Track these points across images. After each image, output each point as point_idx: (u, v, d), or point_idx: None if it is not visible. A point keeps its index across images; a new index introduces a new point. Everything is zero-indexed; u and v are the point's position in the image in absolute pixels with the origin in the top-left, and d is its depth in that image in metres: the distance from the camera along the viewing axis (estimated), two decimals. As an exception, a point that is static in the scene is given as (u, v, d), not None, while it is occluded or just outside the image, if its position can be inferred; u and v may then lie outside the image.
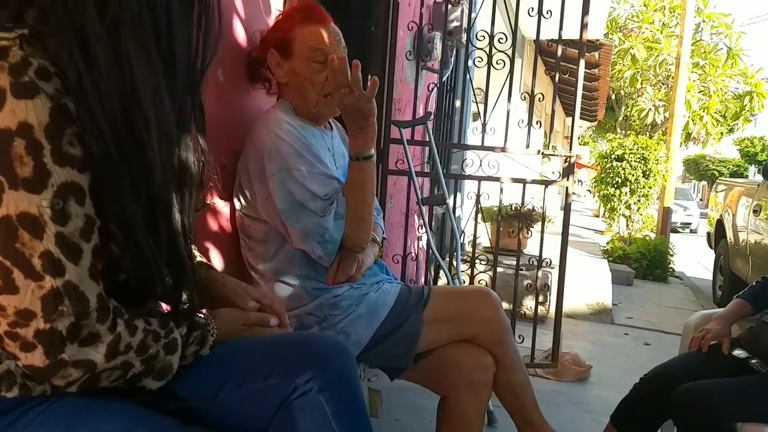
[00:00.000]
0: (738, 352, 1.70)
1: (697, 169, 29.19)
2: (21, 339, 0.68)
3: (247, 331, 0.99)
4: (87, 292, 0.70)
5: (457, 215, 3.05)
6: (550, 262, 2.72)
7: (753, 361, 1.64)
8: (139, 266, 0.75)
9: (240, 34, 1.57)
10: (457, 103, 4.20)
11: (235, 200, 1.53)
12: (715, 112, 14.46)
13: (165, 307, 0.88)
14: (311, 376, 0.83)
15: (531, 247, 4.20)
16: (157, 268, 0.76)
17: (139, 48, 0.71)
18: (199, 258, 1.11)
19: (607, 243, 7.83)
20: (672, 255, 7.34)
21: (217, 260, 1.53)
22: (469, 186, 3.88)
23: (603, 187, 8.02)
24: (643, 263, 6.99)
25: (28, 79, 0.66)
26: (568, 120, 13.23)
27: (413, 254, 2.89)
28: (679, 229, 15.84)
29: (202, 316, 0.91)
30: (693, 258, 9.53)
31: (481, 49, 2.64)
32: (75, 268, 0.69)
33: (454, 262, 2.70)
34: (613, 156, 7.83)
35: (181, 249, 0.80)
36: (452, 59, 3.36)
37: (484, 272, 2.81)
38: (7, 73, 0.65)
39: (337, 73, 1.32)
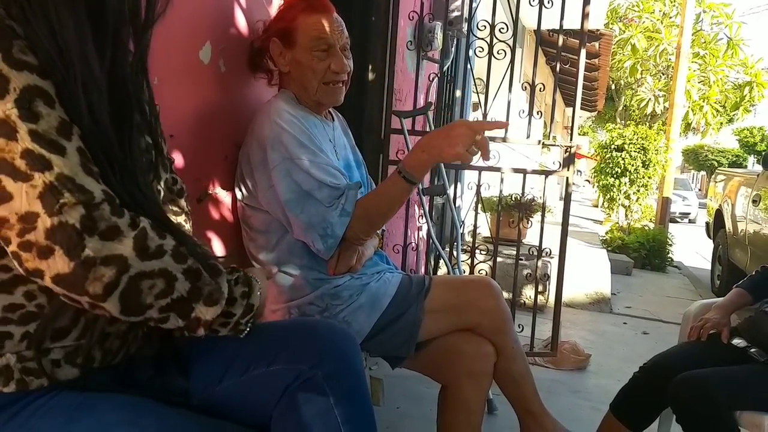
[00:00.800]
0: (737, 342, 1.71)
1: (696, 159, 29.18)
2: (35, 245, 0.64)
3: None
4: (87, 185, 0.66)
5: (457, 205, 3.05)
6: (550, 251, 2.73)
7: (752, 350, 1.65)
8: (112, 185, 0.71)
9: (241, 23, 1.57)
10: (458, 93, 4.19)
11: (237, 190, 1.54)
12: (715, 102, 14.43)
13: None
14: (316, 363, 0.84)
15: (530, 237, 4.21)
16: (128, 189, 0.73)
17: None
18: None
19: (606, 233, 7.85)
20: (671, 245, 7.36)
21: (219, 250, 1.54)
22: (470, 176, 3.88)
23: (602, 177, 8.03)
24: (641, 253, 7.01)
25: None
26: (568, 110, 13.19)
27: (413, 244, 2.89)
28: (678, 219, 15.86)
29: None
30: (692, 248, 9.55)
31: (482, 39, 2.64)
32: (62, 159, 0.65)
33: (455, 252, 2.71)
34: (612, 146, 7.83)
35: (141, 187, 0.76)
36: (453, 49, 3.35)
37: (484, 262, 2.82)
38: None
39: (483, 145, 1.32)
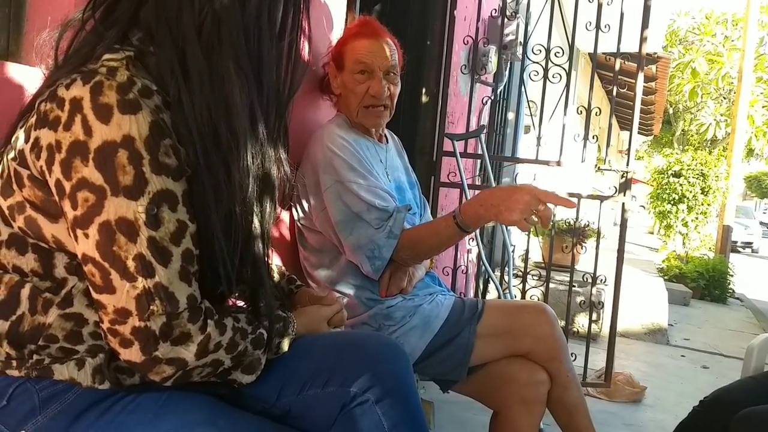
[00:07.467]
0: (806, 379, 1.62)
1: (759, 186, 28.01)
2: (120, 335, 0.74)
3: (327, 327, 1.05)
4: (177, 293, 0.75)
5: (508, 228, 3.02)
6: (605, 279, 2.67)
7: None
8: (208, 266, 0.80)
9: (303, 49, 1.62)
10: (510, 116, 4.17)
11: (293, 210, 1.58)
12: (780, 128, 13.86)
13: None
14: (368, 386, 0.85)
15: (583, 264, 4.12)
16: (225, 270, 0.80)
17: (237, 69, 0.78)
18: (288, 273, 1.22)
19: (663, 261, 7.59)
20: (732, 275, 7.07)
21: (275, 268, 1.58)
22: (521, 200, 3.84)
23: (659, 203, 7.80)
24: (700, 283, 6.75)
25: (133, 96, 0.72)
26: (623, 134, 12.91)
27: (463, 267, 2.88)
28: (740, 249, 15.19)
29: (284, 313, 0.95)
30: (754, 279, 9.12)
31: (537, 62, 2.63)
32: (164, 270, 0.74)
33: (505, 277, 2.67)
34: (670, 172, 7.61)
35: (259, 252, 0.86)
36: (506, 72, 3.36)
37: (535, 287, 2.77)
38: (115, 91, 0.72)
39: (545, 217, 1.28)
